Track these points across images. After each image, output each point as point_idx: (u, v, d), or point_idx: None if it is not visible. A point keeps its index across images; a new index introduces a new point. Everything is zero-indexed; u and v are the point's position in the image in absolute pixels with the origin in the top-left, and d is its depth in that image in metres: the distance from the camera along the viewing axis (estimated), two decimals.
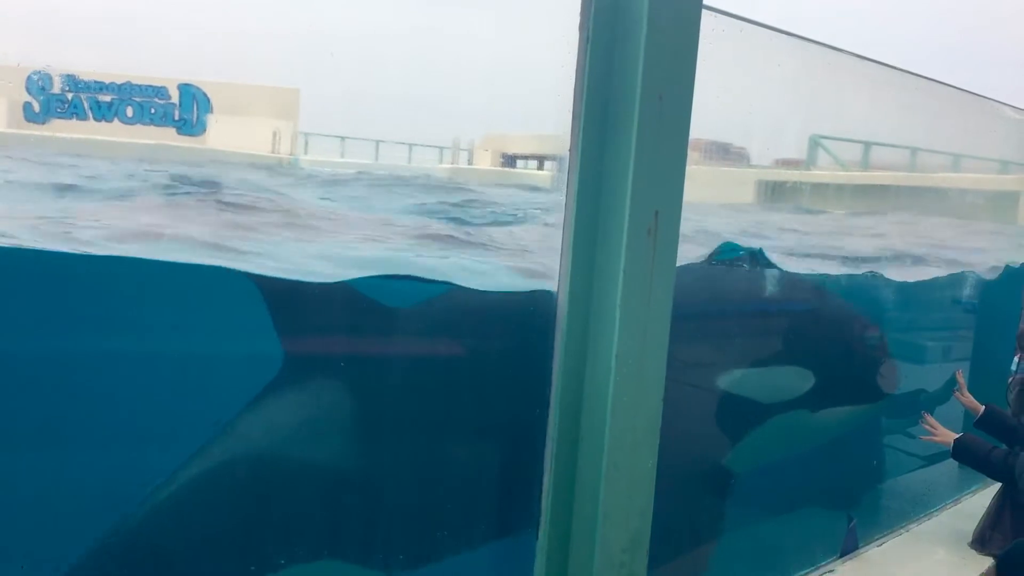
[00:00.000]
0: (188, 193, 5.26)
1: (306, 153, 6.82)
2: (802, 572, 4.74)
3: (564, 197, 2.55)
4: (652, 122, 2.42)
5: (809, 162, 7.23)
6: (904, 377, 6.12)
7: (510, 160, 7.90)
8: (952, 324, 7.28)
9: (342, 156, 6.62)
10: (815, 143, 7.08)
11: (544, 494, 2.58)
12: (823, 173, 7.23)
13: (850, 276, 6.06)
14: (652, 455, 2.61)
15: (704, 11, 2.55)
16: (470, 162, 7.70)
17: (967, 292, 7.15)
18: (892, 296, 6.20)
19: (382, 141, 6.31)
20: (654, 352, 2.55)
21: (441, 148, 7.37)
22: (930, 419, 4.99)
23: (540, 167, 7.83)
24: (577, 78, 2.49)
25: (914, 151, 7.53)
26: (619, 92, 2.46)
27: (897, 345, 6.09)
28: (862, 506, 5.84)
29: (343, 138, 6.39)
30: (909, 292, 6.39)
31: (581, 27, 2.47)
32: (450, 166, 7.47)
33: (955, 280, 7.11)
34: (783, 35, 3.89)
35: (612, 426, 2.47)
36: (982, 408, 5.14)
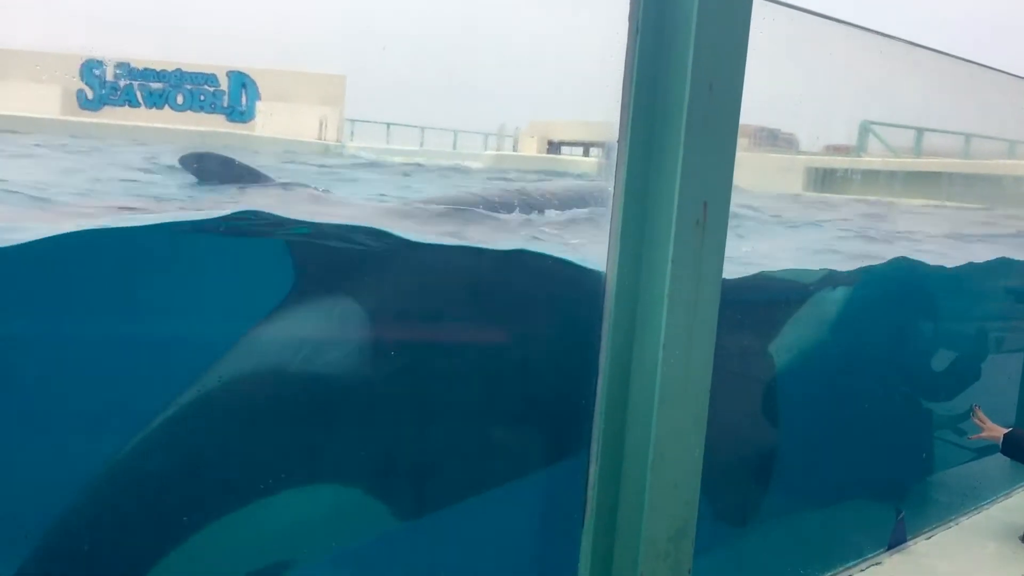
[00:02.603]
0: None
1: (352, 139, 6.87)
2: (850, 564, 4.69)
3: (612, 186, 2.54)
4: (702, 112, 2.40)
5: (859, 148, 7.13)
6: None
7: (556, 147, 7.88)
8: None
9: (387, 143, 6.66)
10: (865, 129, 6.98)
11: (590, 484, 2.58)
12: (873, 159, 7.12)
13: None
14: (699, 446, 2.60)
15: None
16: (515, 148, 7.70)
17: None
18: None
19: (428, 128, 6.33)
20: (701, 344, 2.53)
21: (486, 134, 7.37)
22: (980, 413, 4.90)
23: (586, 154, 7.81)
24: (626, 67, 2.47)
25: (967, 137, 7.38)
26: (668, 81, 2.43)
27: None
28: (911, 499, 5.77)
29: (389, 124, 6.42)
30: None
31: (631, 16, 2.45)
32: (495, 152, 7.48)
33: None
34: (834, 22, 3.82)
35: (659, 417, 2.46)
36: (1002, 435, 4.90)
